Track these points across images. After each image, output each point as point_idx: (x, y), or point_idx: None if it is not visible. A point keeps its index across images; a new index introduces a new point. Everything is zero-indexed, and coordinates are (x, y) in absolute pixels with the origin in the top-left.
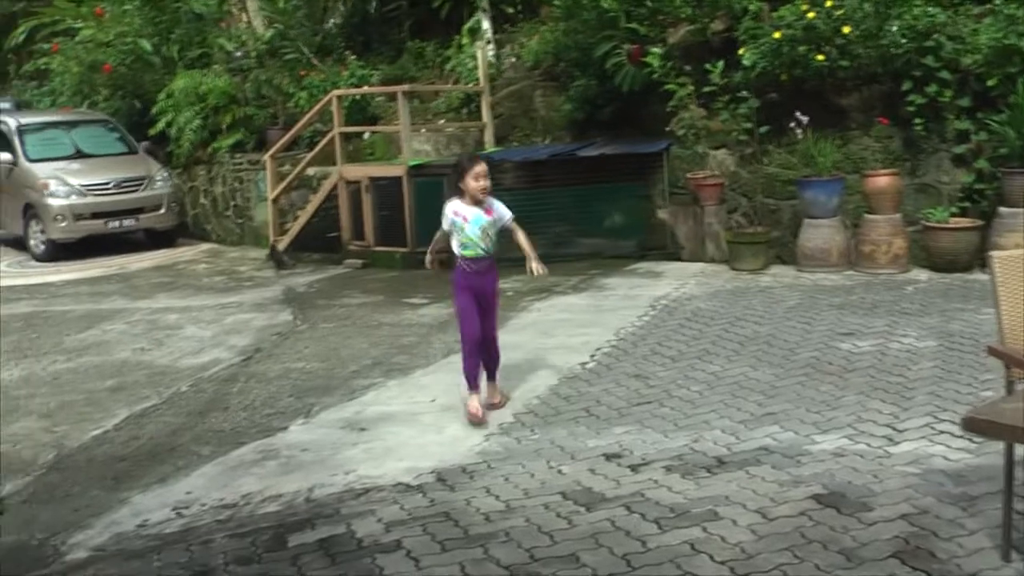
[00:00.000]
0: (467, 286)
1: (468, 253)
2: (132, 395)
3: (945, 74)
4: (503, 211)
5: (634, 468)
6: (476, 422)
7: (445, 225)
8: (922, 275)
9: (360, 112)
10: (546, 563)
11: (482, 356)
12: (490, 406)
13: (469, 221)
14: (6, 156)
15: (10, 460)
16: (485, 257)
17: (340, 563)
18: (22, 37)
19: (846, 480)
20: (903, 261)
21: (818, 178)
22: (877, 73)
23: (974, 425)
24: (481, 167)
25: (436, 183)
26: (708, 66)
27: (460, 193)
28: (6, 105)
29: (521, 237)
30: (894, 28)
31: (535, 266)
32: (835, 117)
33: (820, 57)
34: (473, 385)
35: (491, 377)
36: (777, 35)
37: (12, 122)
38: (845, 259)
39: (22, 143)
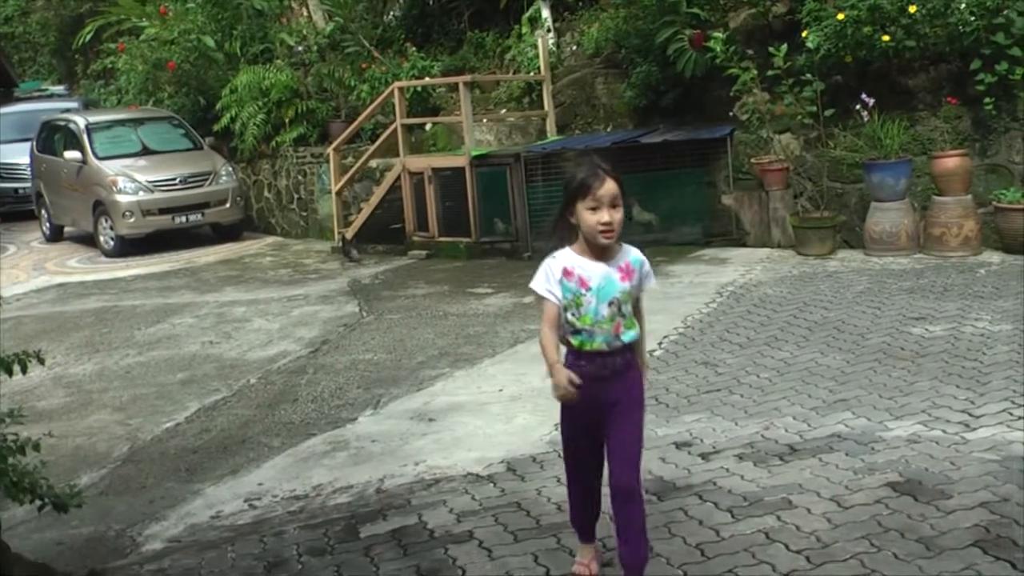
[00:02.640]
0: (579, 401)
1: (586, 345)
2: (202, 388)
3: (1016, 51)
4: (647, 270)
5: (705, 456)
6: None
7: (550, 294)
8: (994, 257)
9: (422, 103)
10: None
11: (594, 508)
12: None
13: (590, 289)
14: (75, 155)
15: (86, 453)
16: (615, 353)
17: (412, 554)
18: (89, 37)
19: (922, 467)
20: (974, 243)
21: (885, 160)
22: (944, 52)
23: None
24: (609, 185)
25: (499, 172)
26: (771, 49)
27: (570, 234)
28: (74, 104)
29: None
30: (962, 5)
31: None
32: (902, 98)
33: (885, 38)
34: (584, 536)
35: (629, 564)
36: (841, 16)
37: (81, 121)
38: (914, 242)
39: (91, 141)
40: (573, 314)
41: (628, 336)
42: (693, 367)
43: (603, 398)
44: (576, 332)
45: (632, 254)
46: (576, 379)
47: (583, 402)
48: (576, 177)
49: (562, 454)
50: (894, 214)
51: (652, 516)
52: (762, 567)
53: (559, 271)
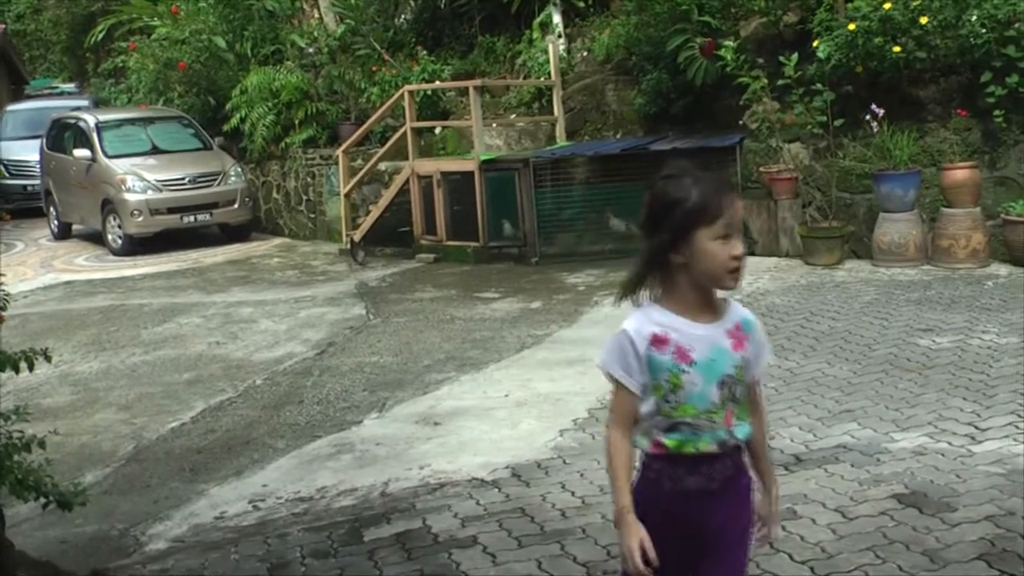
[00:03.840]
0: (669, 531)
1: (687, 447)
2: (208, 388)
3: None
4: (763, 337)
5: None
6: None
7: (627, 377)
8: (1002, 270)
9: (431, 107)
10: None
11: None
12: None
13: (694, 364)
14: (85, 153)
15: (91, 451)
16: (727, 455)
17: (416, 558)
18: (100, 35)
19: (928, 479)
20: (982, 256)
21: (894, 171)
22: (955, 64)
23: None
24: (739, 205)
25: (508, 177)
26: (782, 59)
27: (662, 282)
28: (84, 102)
29: (760, 430)
30: (973, 18)
31: (773, 531)
32: (912, 109)
33: (896, 48)
34: None
35: None
36: (852, 27)
37: (91, 119)
38: (922, 253)
39: (100, 140)
40: (668, 401)
41: (742, 431)
42: None
43: (705, 523)
44: (672, 428)
45: (740, 312)
46: (653, 556)
47: (674, 531)
48: (691, 196)
49: None
50: (902, 225)
51: None
52: None
53: (644, 339)
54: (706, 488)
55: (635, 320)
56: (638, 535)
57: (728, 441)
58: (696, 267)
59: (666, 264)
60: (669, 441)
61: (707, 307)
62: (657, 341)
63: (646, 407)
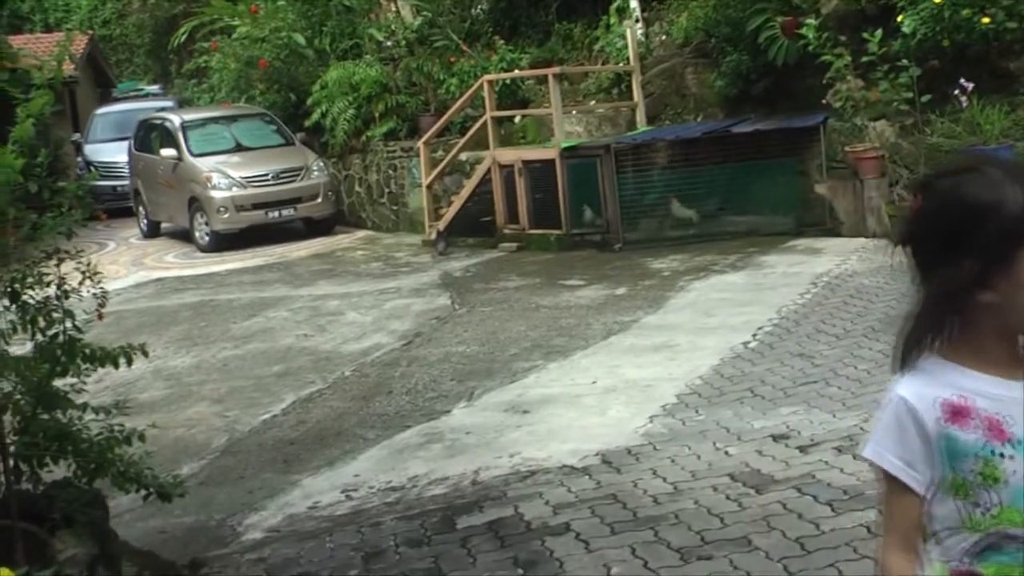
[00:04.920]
0: None
1: (1015, 574)
2: (298, 380)
3: None
4: None
5: (803, 449)
6: None
7: (907, 472)
8: None
9: (511, 96)
10: (718, 546)
11: None
12: None
13: (1016, 443)
14: (171, 152)
15: (186, 444)
16: None
17: (509, 545)
18: (183, 37)
19: None
20: None
21: (985, 147)
22: None
23: None
24: None
25: (589, 164)
26: (865, 35)
27: (954, 319)
28: (169, 103)
29: None
30: None
31: None
32: (1002, 82)
33: (985, 20)
34: None
35: None
36: None
37: (176, 119)
38: None
39: (186, 139)
40: (979, 504)
41: None
42: (789, 359)
43: None
44: (989, 548)
45: None
46: None
47: None
48: (1009, 201)
49: None
50: None
51: (750, 510)
52: (864, 562)
53: (934, 409)
54: None
55: (914, 380)
56: None
57: None
58: (1015, 307)
59: (964, 304)
60: (988, 569)
61: (1015, 359)
62: (956, 413)
63: (939, 519)
